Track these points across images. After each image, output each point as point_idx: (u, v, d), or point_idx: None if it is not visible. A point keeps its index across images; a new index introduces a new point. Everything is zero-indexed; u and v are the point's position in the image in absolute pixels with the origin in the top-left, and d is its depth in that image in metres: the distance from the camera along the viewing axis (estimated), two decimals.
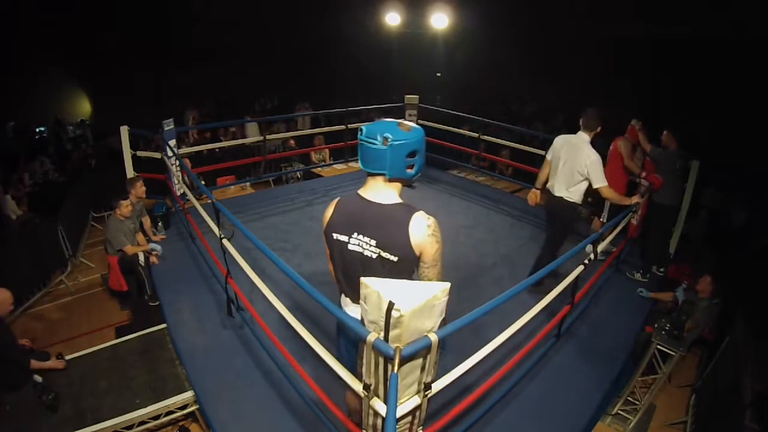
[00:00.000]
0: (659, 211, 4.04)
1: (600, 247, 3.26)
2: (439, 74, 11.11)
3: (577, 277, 2.77)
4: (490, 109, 9.27)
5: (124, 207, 4.12)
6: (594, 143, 3.30)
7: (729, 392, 3.17)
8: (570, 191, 3.35)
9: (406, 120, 6.65)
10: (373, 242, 1.64)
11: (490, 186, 6.33)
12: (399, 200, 1.69)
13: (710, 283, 3.59)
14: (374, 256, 1.65)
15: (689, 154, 4.01)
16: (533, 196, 3.63)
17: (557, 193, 3.40)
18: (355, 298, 1.78)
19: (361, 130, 1.64)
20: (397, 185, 1.70)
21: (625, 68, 7.87)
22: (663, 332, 3.39)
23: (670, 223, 4.24)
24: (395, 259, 1.62)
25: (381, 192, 1.68)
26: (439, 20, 7.35)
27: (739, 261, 4.83)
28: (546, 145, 4.01)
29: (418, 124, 6.85)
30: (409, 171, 1.66)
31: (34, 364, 3.04)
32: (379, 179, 1.67)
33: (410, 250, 1.61)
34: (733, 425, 2.89)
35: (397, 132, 1.60)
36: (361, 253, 1.67)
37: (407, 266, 1.65)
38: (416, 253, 1.62)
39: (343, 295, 1.88)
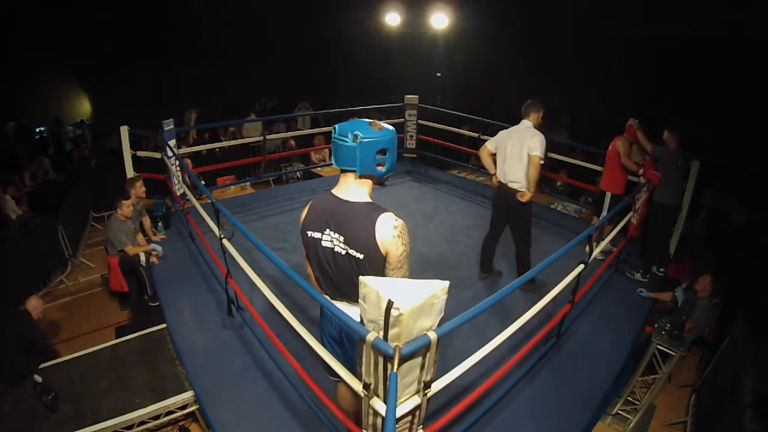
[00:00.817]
0: (659, 210, 4.04)
1: (600, 247, 3.26)
2: (439, 74, 11.10)
3: (578, 275, 2.77)
4: (490, 109, 9.26)
5: (126, 207, 4.12)
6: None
7: (729, 392, 3.17)
8: (524, 178, 3.39)
9: (406, 118, 6.69)
10: (342, 239, 1.68)
11: (490, 186, 6.30)
12: (368, 199, 1.73)
13: (710, 282, 3.59)
14: (343, 252, 1.69)
15: (690, 153, 4.01)
16: (496, 179, 3.67)
17: (509, 179, 3.45)
18: (335, 295, 1.81)
19: (335, 128, 1.68)
20: (368, 183, 1.74)
21: (626, 68, 7.87)
22: (663, 332, 3.40)
23: (670, 223, 4.24)
24: (361, 256, 1.65)
25: (351, 189, 1.72)
26: (439, 20, 7.35)
27: (739, 261, 4.83)
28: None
29: (418, 124, 6.87)
30: (379, 169, 1.69)
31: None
32: (350, 176, 1.71)
33: (376, 248, 1.63)
34: (733, 425, 2.89)
35: (367, 130, 1.65)
36: (333, 249, 1.71)
37: (374, 265, 1.66)
38: (382, 252, 1.64)
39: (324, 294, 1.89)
